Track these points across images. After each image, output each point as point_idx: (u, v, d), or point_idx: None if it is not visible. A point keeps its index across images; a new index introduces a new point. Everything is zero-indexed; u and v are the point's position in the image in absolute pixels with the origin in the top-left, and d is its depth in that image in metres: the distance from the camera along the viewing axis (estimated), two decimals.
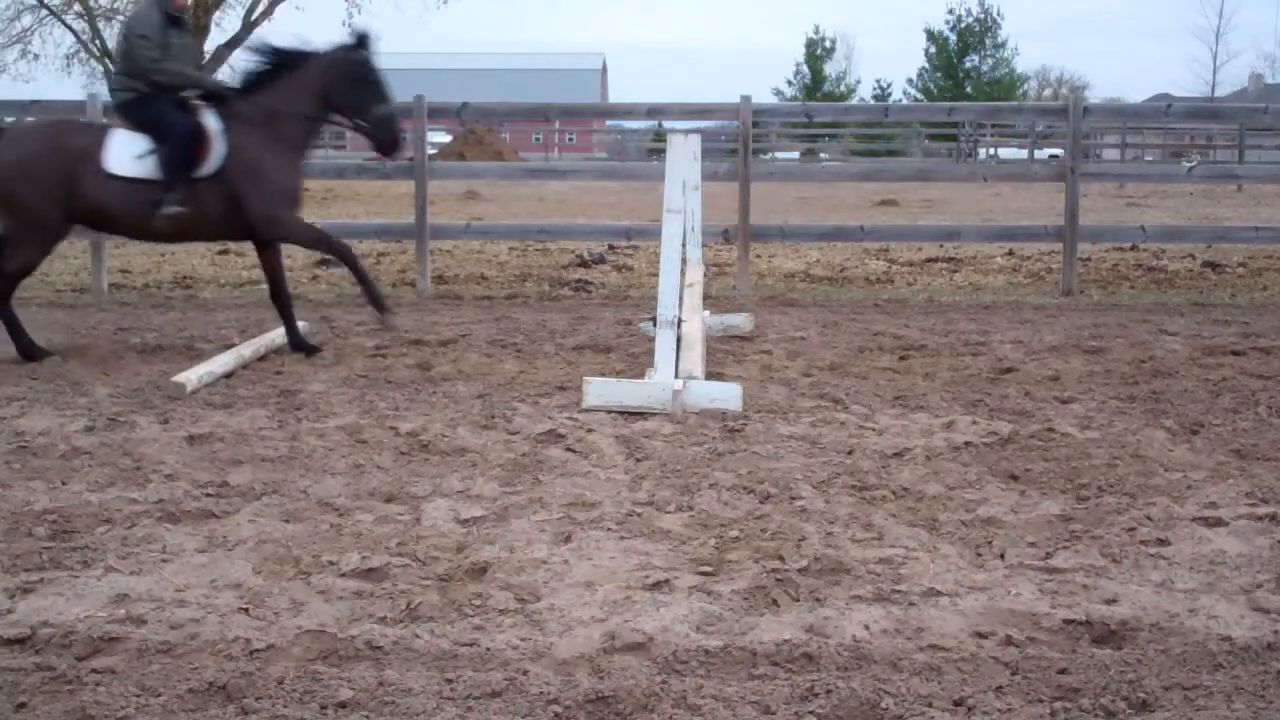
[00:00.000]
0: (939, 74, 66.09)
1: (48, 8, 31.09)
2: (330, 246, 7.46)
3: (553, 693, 2.94)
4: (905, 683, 3.00)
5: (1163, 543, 4.02)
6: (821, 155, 41.02)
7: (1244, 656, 3.17)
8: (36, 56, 31.85)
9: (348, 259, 7.38)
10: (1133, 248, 13.33)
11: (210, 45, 30.91)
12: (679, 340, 6.33)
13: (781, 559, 3.82)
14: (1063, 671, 3.07)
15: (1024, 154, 36.10)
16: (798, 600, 3.51)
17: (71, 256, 11.85)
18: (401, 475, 4.79)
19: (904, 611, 3.43)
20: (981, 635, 3.28)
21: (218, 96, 7.21)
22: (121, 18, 31.71)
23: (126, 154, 6.95)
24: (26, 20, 31.38)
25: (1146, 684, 3.00)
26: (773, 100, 55.55)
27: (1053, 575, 3.72)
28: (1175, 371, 6.84)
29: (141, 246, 12.66)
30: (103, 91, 29.50)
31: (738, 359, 7.22)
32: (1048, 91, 71.35)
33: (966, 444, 5.24)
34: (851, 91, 67.89)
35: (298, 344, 7.35)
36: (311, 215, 10.31)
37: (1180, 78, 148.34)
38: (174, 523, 4.19)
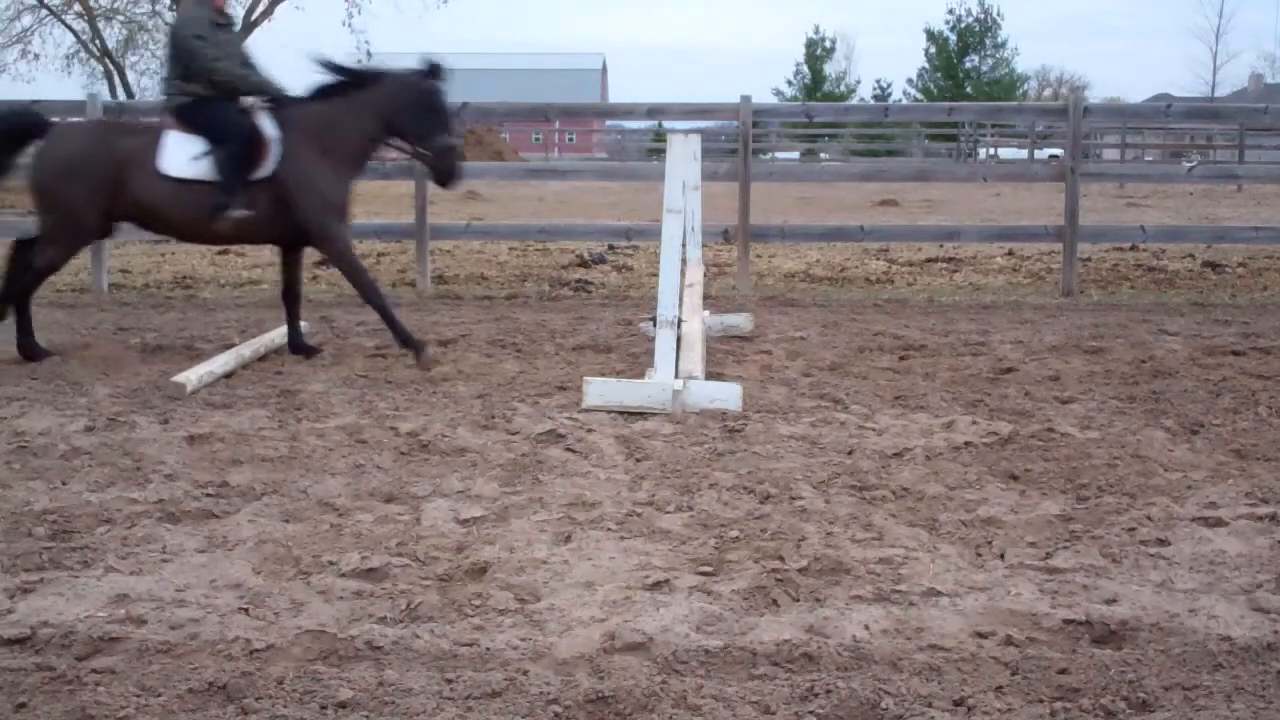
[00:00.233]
0: (939, 74, 66.04)
1: (48, 8, 31.11)
2: (362, 284, 7.22)
3: (553, 693, 2.94)
4: (905, 683, 3.00)
5: (1163, 543, 4.02)
6: (821, 155, 41.01)
7: (1244, 656, 3.17)
8: (36, 56, 31.89)
9: (377, 303, 7.19)
10: (1133, 248, 13.33)
11: None
12: (679, 340, 6.33)
13: (781, 559, 3.82)
14: (1063, 671, 3.07)
15: (1024, 154, 36.09)
16: (798, 600, 3.51)
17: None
18: (401, 475, 4.79)
19: (904, 611, 3.43)
20: (981, 635, 3.28)
21: (279, 100, 7.18)
22: (121, 18, 31.77)
23: (182, 155, 6.93)
24: (26, 20, 31.42)
25: (1146, 684, 3.00)
26: (773, 100, 55.53)
27: (1053, 575, 3.72)
28: (1175, 371, 6.84)
29: (141, 246, 12.68)
30: (103, 91, 29.38)
31: (738, 359, 7.22)
32: (1048, 91, 71.33)
33: (966, 444, 5.24)
34: (851, 91, 67.86)
35: (297, 345, 7.34)
36: None
37: (1180, 78, 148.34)
38: (174, 523, 4.19)
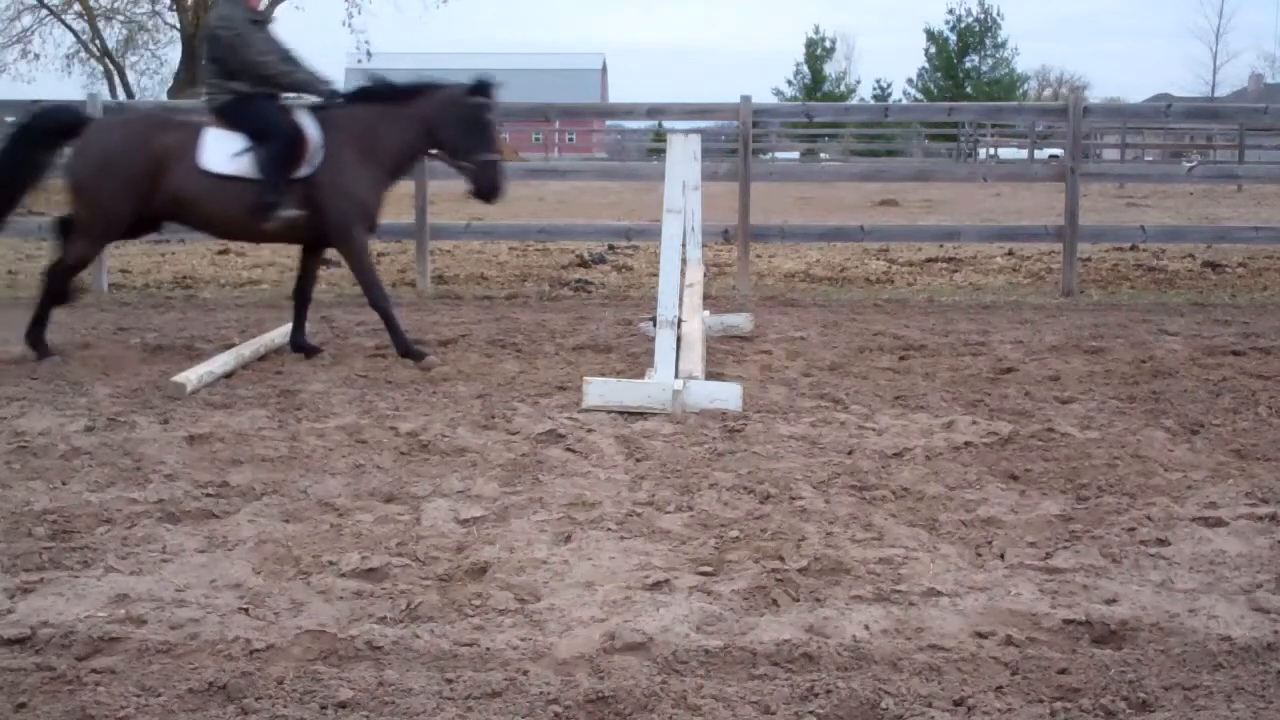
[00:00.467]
0: (939, 74, 66.06)
1: (48, 8, 31.11)
2: (372, 290, 7.19)
3: (553, 693, 2.94)
4: (905, 683, 3.00)
5: (1163, 543, 4.02)
6: (821, 155, 41.01)
7: (1244, 656, 3.17)
8: (37, 56, 31.90)
9: (383, 310, 7.17)
10: (1133, 248, 13.33)
11: None
12: (679, 340, 6.33)
13: (781, 559, 3.82)
14: (1063, 671, 3.07)
15: (1024, 154, 36.10)
16: (798, 600, 3.51)
17: None
18: (401, 475, 4.79)
19: (904, 611, 3.43)
20: (981, 635, 3.28)
21: (325, 97, 7.16)
22: (121, 18, 31.77)
23: (223, 152, 6.92)
24: (26, 20, 31.43)
25: (1146, 684, 3.00)
26: (773, 100, 55.51)
27: (1053, 575, 3.72)
28: (1175, 371, 6.84)
29: (141, 246, 12.68)
30: (103, 91, 29.34)
31: (738, 359, 7.22)
32: (1048, 91, 71.34)
33: (966, 444, 5.24)
34: (851, 91, 67.89)
35: (299, 344, 7.34)
36: None
37: (1180, 78, 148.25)
38: (174, 523, 4.19)
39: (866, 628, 3.31)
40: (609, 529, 4.15)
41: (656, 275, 6.89)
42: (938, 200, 22.11)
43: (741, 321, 8.30)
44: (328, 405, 5.96)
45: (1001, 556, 3.90)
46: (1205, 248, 13.17)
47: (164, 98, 28.68)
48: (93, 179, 6.92)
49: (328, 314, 9.01)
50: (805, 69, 68.11)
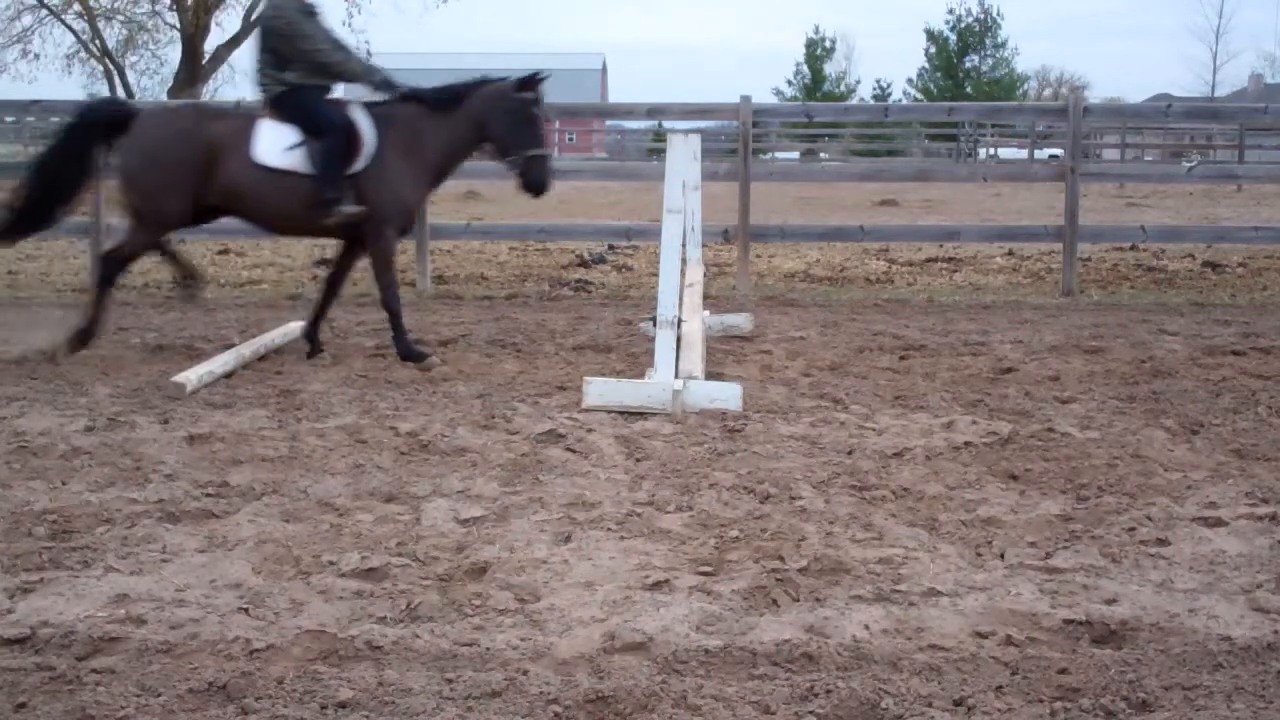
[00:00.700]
0: (939, 74, 66.07)
1: (48, 8, 31.13)
2: (388, 291, 7.17)
3: (553, 693, 2.94)
4: (905, 683, 3.00)
5: (1163, 543, 4.02)
6: (821, 155, 41.00)
7: (1244, 656, 3.17)
8: (37, 56, 31.92)
9: (393, 312, 7.16)
10: (1133, 248, 13.33)
11: (210, 45, 30.96)
12: (679, 340, 6.33)
13: (781, 559, 3.82)
14: (1063, 671, 3.07)
15: (1024, 154, 36.10)
16: (798, 600, 3.51)
17: (71, 256, 11.86)
18: (401, 475, 4.79)
19: (904, 611, 3.43)
20: (981, 635, 3.28)
21: (377, 87, 7.13)
22: (121, 18, 31.78)
23: (276, 145, 6.91)
24: (26, 20, 31.45)
25: (1146, 684, 3.00)
26: (773, 100, 55.49)
27: (1053, 575, 3.72)
28: (1175, 371, 6.84)
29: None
30: (103, 91, 29.30)
31: (738, 359, 7.22)
32: (1048, 91, 71.33)
33: (966, 444, 5.24)
34: (851, 91, 67.88)
35: (312, 336, 7.32)
36: None
37: (1180, 78, 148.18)
38: (174, 523, 4.19)
39: (866, 628, 3.31)
40: (609, 529, 4.15)
41: (656, 275, 6.89)
42: (938, 200, 22.11)
43: (741, 321, 8.30)
44: (328, 405, 5.95)
45: (1001, 556, 3.90)
46: (1205, 248, 13.17)
47: (164, 98, 28.70)
48: (145, 171, 6.91)
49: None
50: (805, 69, 68.10)
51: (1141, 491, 4.57)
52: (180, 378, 6.26)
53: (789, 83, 68.69)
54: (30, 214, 7.10)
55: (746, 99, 10.48)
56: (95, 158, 7.12)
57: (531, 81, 7.08)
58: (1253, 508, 4.38)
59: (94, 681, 2.99)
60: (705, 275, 8.73)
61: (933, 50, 66.68)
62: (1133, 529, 4.14)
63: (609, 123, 58.12)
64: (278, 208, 7.00)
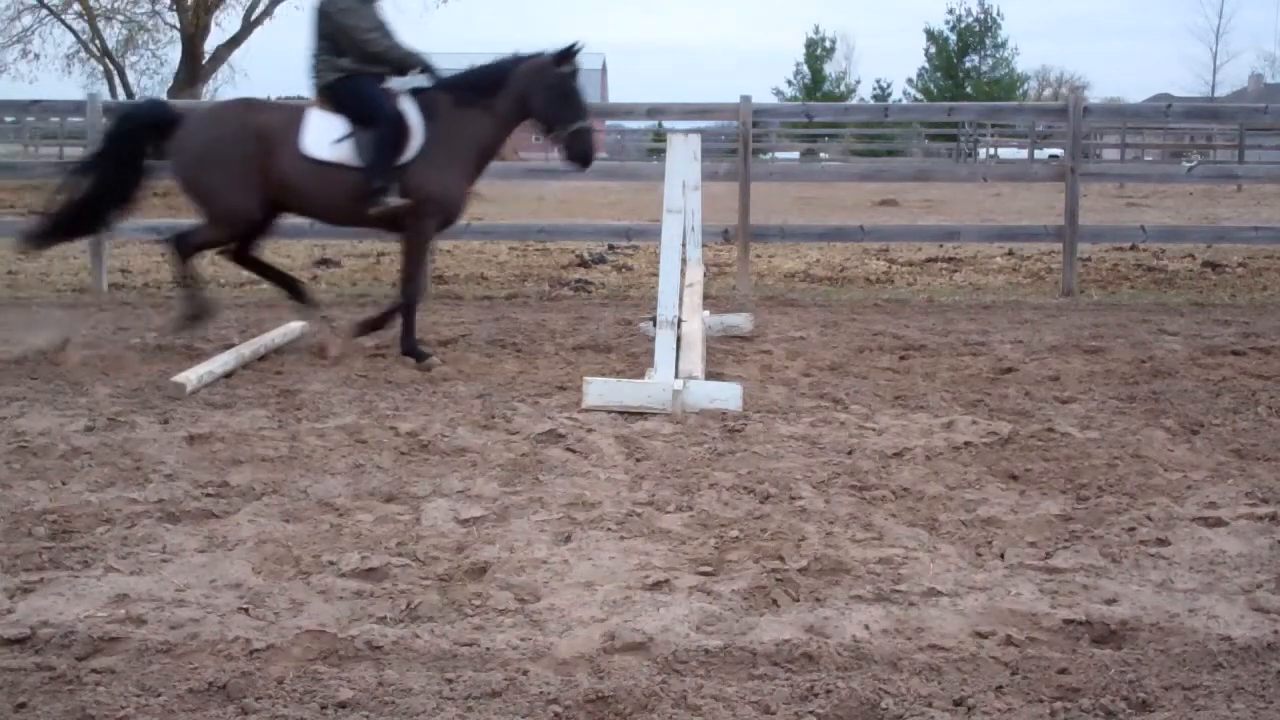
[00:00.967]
0: (939, 74, 66.09)
1: (48, 8, 31.11)
2: (413, 282, 7.23)
3: (553, 693, 2.94)
4: (905, 683, 3.00)
5: (1163, 543, 4.02)
6: (821, 155, 41.01)
7: (1244, 656, 3.17)
8: (37, 56, 31.90)
9: (409, 304, 7.20)
10: (1133, 248, 13.33)
11: (210, 45, 30.95)
12: (679, 340, 6.33)
13: (781, 559, 3.82)
14: (1063, 671, 3.07)
15: (1024, 154, 36.10)
16: (798, 600, 3.51)
17: (71, 256, 11.85)
18: (401, 475, 4.79)
19: (904, 611, 3.43)
20: (981, 635, 3.29)
21: (422, 70, 7.12)
22: (121, 18, 31.77)
23: (325, 137, 6.91)
24: (26, 20, 31.42)
25: (1146, 684, 3.00)
26: (773, 100, 55.46)
27: (1053, 575, 3.72)
28: (1175, 371, 6.84)
29: (141, 246, 12.67)
30: (103, 91, 29.22)
31: (738, 359, 7.22)
32: (1048, 91, 71.33)
33: (966, 444, 5.24)
34: (851, 91, 67.89)
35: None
36: None
37: (1180, 78, 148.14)
38: (174, 523, 4.19)
39: (866, 628, 3.31)
40: (609, 529, 4.15)
41: (656, 275, 6.89)
42: (938, 200, 22.12)
43: (741, 321, 8.30)
44: (328, 405, 5.95)
45: (1001, 556, 3.90)
46: (1205, 248, 13.17)
47: (164, 97, 28.69)
48: (204, 170, 6.92)
49: (328, 314, 8.99)
50: (805, 69, 68.12)
51: (1141, 491, 4.57)
52: (180, 378, 6.26)
53: (789, 83, 68.78)
54: (74, 219, 7.12)
55: (746, 99, 10.48)
56: (144, 161, 7.11)
57: (569, 53, 7.06)
58: (1253, 508, 4.39)
59: (94, 681, 2.99)
60: (705, 275, 8.73)
61: (933, 50, 66.70)
62: (1133, 529, 4.14)
63: (609, 123, 58.04)
64: (326, 200, 7.01)
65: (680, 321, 6.47)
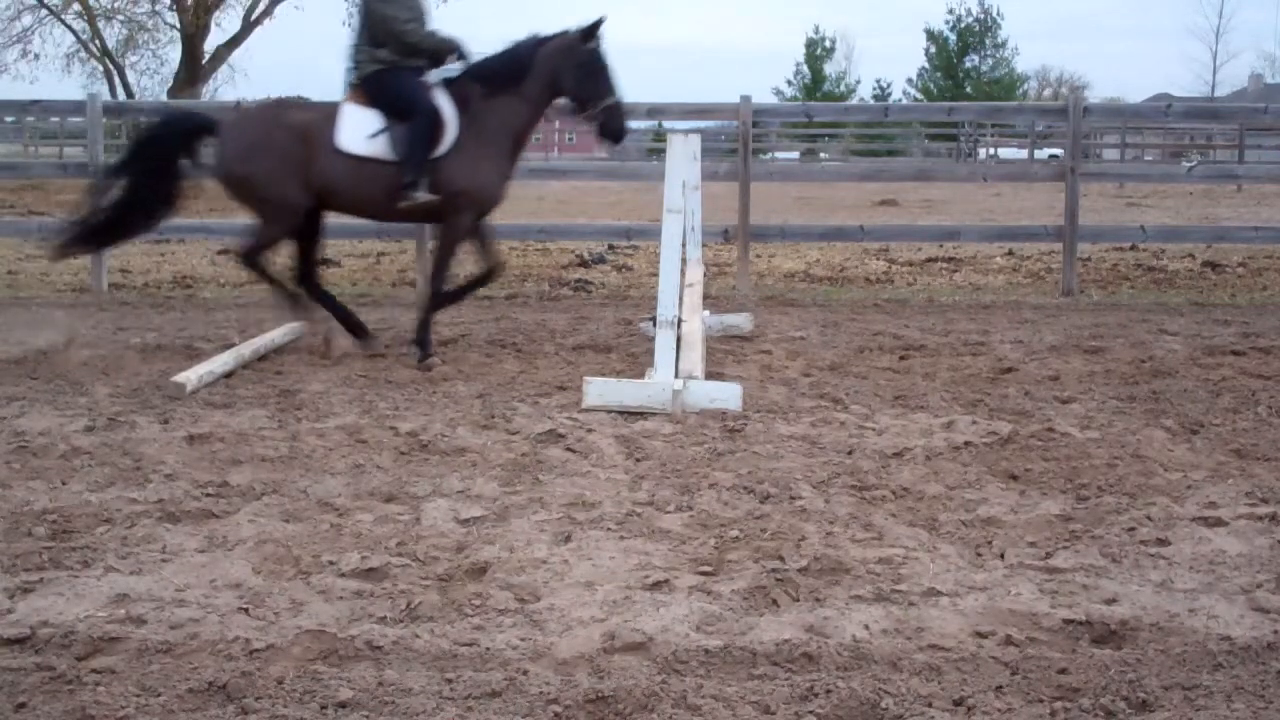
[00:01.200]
0: (939, 74, 66.07)
1: (48, 8, 31.12)
2: (438, 279, 7.25)
3: (553, 693, 2.94)
4: (905, 683, 3.00)
5: (1163, 543, 4.02)
6: (821, 155, 41.02)
7: (1244, 656, 3.17)
8: (37, 56, 31.91)
9: (432, 301, 7.23)
10: (1133, 248, 13.34)
11: (210, 45, 30.95)
12: (679, 340, 6.33)
13: (781, 559, 3.81)
14: (1063, 671, 3.07)
15: (1024, 154, 36.12)
16: (798, 600, 3.51)
17: (71, 256, 11.83)
18: (401, 475, 4.79)
19: (904, 611, 3.43)
20: (981, 635, 3.28)
21: (458, 57, 7.13)
22: (121, 18, 31.76)
23: (359, 132, 6.92)
24: (26, 20, 31.43)
25: (1146, 684, 3.00)
26: (773, 100, 55.42)
27: (1053, 575, 3.72)
28: (1175, 371, 6.84)
29: (141, 246, 12.67)
30: (103, 91, 29.24)
31: (738, 359, 7.22)
32: (1048, 91, 71.31)
33: (966, 444, 5.24)
34: (851, 91, 67.86)
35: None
36: None
37: (1180, 78, 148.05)
38: (174, 523, 4.19)
39: (866, 628, 3.31)
40: (609, 529, 4.15)
41: (656, 275, 6.89)
42: (938, 200, 22.12)
43: (741, 321, 8.30)
44: (328, 405, 5.95)
45: (1001, 556, 3.90)
46: (1205, 248, 13.17)
47: (164, 98, 28.69)
48: (252, 169, 6.93)
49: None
50: (805, 69, 68.08)
51: (1141, 491, 4.57)
52: (180, 378, 6.26)
53: (789, 83, 68.73)
54: (111, 225, 7.14)
55: (746, 99, 10.49)
56: (183, 166, 7.12)
57: (594, 29, 7.05)
58: (1253, 508, 4.39)
59: (94, 681, 2.99)
60: (705, 275, 8.73)
61: (933, 50, 66.68)
62: (1133, 529, 4.14)
63: None
64: (362, 195, 7.01)
65: (680, 321, 6.48)
